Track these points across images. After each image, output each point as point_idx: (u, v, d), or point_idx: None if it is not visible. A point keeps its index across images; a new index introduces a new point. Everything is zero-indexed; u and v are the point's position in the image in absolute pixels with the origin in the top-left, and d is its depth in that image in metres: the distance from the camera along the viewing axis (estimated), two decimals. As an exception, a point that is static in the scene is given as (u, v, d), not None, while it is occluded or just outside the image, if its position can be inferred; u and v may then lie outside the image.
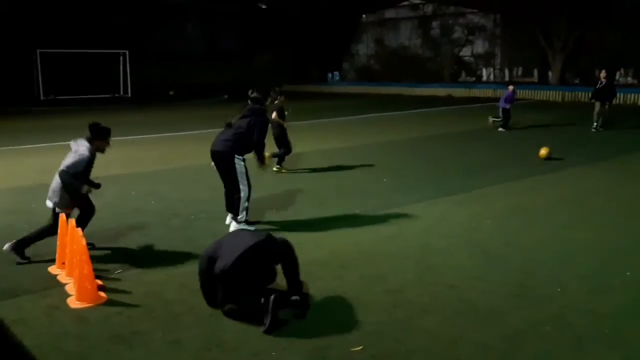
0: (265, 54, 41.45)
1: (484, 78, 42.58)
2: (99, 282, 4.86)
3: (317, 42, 40.64)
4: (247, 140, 6.52)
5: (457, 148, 12.90)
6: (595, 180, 9.23)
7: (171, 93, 32.01)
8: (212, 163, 6.62)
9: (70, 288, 4.82)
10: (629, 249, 5.84)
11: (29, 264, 5.49)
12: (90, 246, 4.64)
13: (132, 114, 23.05)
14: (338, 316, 4.29)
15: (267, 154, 9.53)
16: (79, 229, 4.89)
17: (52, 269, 5.33)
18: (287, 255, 4.47)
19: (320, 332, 4.02)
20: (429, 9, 41.61)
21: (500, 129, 15.65)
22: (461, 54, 41.55)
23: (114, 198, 8.27)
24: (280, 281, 4.48)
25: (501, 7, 37.42)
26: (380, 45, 44.87)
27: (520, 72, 42.92)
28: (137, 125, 18.06)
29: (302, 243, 5.99)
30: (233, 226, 6.48)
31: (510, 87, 16.50)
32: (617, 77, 36.14)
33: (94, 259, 4.86)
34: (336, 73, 42.61)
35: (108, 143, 5.84)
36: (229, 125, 6.64)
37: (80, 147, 5.65)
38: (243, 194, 6.43)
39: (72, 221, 5.11)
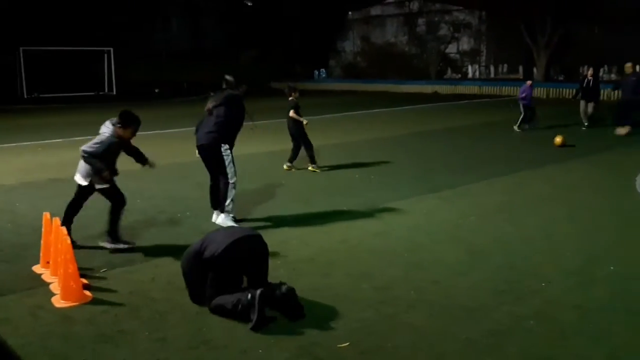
0: (252, 51, 41.34)
1: (470, 75, 42.80)
2: (84, 280, 4.83)
3: (304, 39, 40.60)
4: (229, 128, 6.53)
5: (444, 145, 12.96)
6: (580, 176, 9.32)
7: (156, 91, 31.82)
8: (197, 153, 6.68)
9: (55, 287, 4.79)
10: (613, 243, 5.91)
11: (14, 264, 5.43)
12: (73, 244, 4.65)
13: (117, 112, 22.79)
14: (325, 313, 4.29)
15: (316, 169, 9.74)
16: (63, 228, 4.85)
17: (37, 268, 5.29)
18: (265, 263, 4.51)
19: (307, 329, 4.02)
20: (414, 6, 41.66)
21: (518, 128, 14.92)
22: (447, 51, 41.70)
23: (98, 196, 8.19)
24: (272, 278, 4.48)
25: (486, 4, 37.62)
26: (366, 42, 44.90)
27: (505, 69, 43.21)
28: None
29: (288, 240, 6.01)
30: (221, 218, 6.50)
31: (529, 82, 15.78)
32: (601, 74, 36.51)
33: (79, 257, 4.83)
34: (323, 70, 42.59)
35: (132, 133, 5.83)
36: (210, 113, 6.60)
37: (103, 130, 5.72)
38: (232, 181, 6.49)
39: (57, 220, 5.06)
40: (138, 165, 6.31)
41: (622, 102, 14.37)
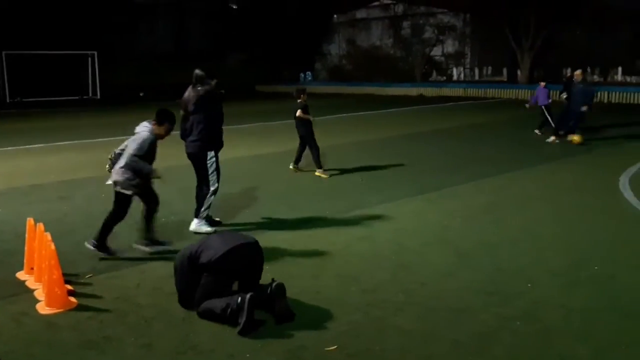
0: (238, 54, 41.27)
1: (455, 77, 43.07)
2: (69, 287, 4.78)
3: (289, 42, 40.59)
4: (212, 131, 6.40)
5: (430, 147, 13.02)
6: (565, 176, 9.41)
7: (141, 94, 31.63)
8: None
9: (39, 293, 4.73)
10: (598, 243, 5.97)
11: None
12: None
13: (101, 116, 22.72)
14: (313, 316, 4.29)
15: (322, 174, 9.47)
16: (48, 234, 4.80)
17: (21, 275, 5.22)
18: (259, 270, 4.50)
19: (295, 333, 4.01)
20: (399, 9, 41.85)
21: (537, 131, 14.44)
22: (432, 53, 41.93)
23: (83, 201, 8.14)
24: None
25: (470, 7, 37.90)
26: (352, 45, 45.01)
27: (490, 72, 43.56)
28: (106, 127, 17.80)
29: (276, 244, 5.99)
30: (194, 224, 6.47)
31: (542, 84, 15.25)
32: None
33: (63, 263, 4.77)
34: (308, 73, 42.62)
35: (166, 130, 5.75)
36: (186, 119, 6.50)
37: (141, 130, 5.65)
38: (212, 188, 6.45)
39: (40, 226, 5.01)
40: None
41: (567, 110, 13.24)
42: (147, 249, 5.69)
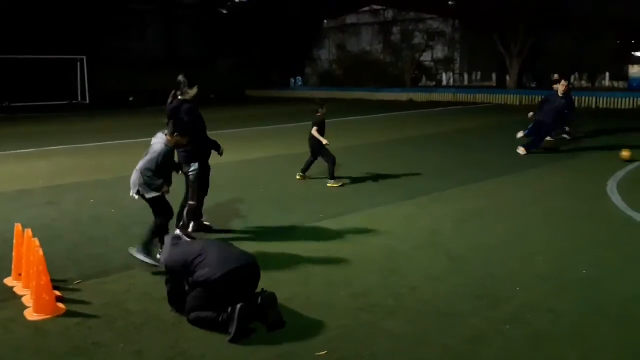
0: (228, 59, 41.26)
1: (444, 82, 43.30)
2: (57, 293, 4.74)
3: (279, 48, 40.65)
4: (192, 141, 6.04)
5: (418, 152, 13.07)
6: (553, 181, 9.47)
7: (130, 99, 31.53)
8: None
9: (27, 300, 4.69)
10: (585, 247, 6.02)
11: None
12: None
13: (90, 121, 22.60)
14: (303, 321, 4.28)
15: (334, 184, 9.10)
16: (36, 239, 4.76)
17: (8, 281, 5.17)
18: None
19: (285, 338, 4.01)
20: (389, 14, 42.05)
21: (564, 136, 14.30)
22: (421, 58, 42.12)
23: (72, 206, 8.10)
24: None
25: (459, 13, 38.18)
26: (342, 50, 45.14)
27: (478, 77, 43.84)
28: (95, 132, 17.73)
29: (266, 249, 5.99)
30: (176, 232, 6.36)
31: (556, 87, 14.45)
32: (571, 81, 37.27)
33: (51, 269, 4.74)
34: (299, 78, 42.68)
35: (179, 141, 5.56)
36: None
37: (156, 143, 5.48)
38: (190, 202, 6.22)
39: (28, 231, 4.97)
40: (108, 175, 6.22)
41: (541, 121, 12.41)
42: (139, 256, 5.50)
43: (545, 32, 32.92)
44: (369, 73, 40.01)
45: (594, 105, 25.98)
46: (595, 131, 15.88)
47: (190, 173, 6.17)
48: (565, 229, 6.68)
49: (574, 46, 34.25)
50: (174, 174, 5.77)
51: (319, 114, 9.31)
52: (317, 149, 9.39)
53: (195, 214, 6.47)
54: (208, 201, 6.87)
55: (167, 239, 4.65)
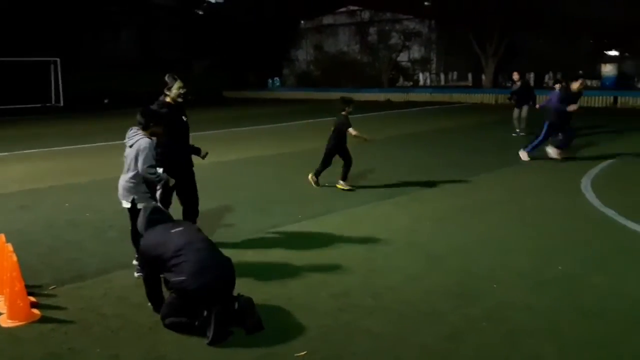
0: (204, 60, 41.03)
1: (421, 82, 43.58)
2: (32, 298, 4.66)
3: (256, 49, 40.54)
4: (166, 147, 5.78)
5: (397, 151, 13.13)
6: (530, 179, 9.58)
7: (105, 101, 31.17)
8: None
9: (1, 306, 4.60)
10: (561, 244, 6.09)
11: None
12: None
13: (65, 124, 22.29)
14: (283, 323, 4.27)
15: (344, 187, 8.70)
16: (9, 245, 4.67)
17: (-19, 288, 5.07)
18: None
19: (264, 340, 3.99)
20: (366, 15, 42.22)
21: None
22: (398, 59, 42.35)
23: (47, 211, 7.97)
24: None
25: (435, 13, 38.48)
26: (319, 51, 45.18)
27: (455, 77, 44.21)
28: (70, 135, 17.49)
29: (244, 251, 5.96)
30: None
31: (557, 86, 14.51)
32: (545, 80, 37.83)
33: (26, 275, 4.66)
34: (276, 79, 42.62)
35: (155, 131, 5.32)
36: None
37: (139, 141, 5.17)
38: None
39: (2, 237, 4.88)
40: (83, 178, 6.11)
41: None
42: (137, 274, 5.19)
43: (520, 32, 33.34)
44: (346, 74, 40.12)
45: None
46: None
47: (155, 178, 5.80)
48: (542, 227, 6.76)
49: (549, 46, 34.75)
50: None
51: (344, 112, 8.74)
52: (339, 147, 8.85)
53: None
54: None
55: (144, 211, 4.49)
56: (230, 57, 40.65)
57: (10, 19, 29.50)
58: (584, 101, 26.31)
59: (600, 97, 26.29)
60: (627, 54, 36.87)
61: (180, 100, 5.85)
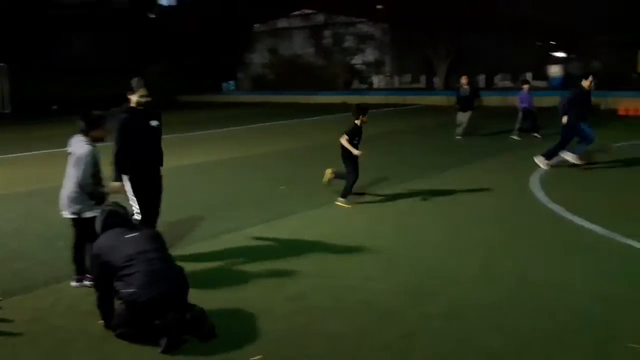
0: (158, 65, 40.41)
1: (376, 85, 44.03)
2: (-24, 312, 4.48)
3: (211, 52, 40.18)
4: (120, 154, 5.66)
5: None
6: (481, 178, 9.76)
7: (54, 107, 30.29)
8: None
9: (-58, 321, 4.40)
10: (512, 241, 6.24)
11: None
12: None
13: (11, 130, 21.57)
14: (238, 328, 4.22)
15: (344, 205, 7.89)
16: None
17: None
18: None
19: (218, 346, 3.93)
20: (320, 18, 42.41)
21: (535, 135, 14.69)
22: (353, 62, 42.68)
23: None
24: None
25: (388, 17, 38.96)
26: (274, 55, 45.13)
27: (409, 79, 44.83)
28: (16, 142, 16.92)
29: (198, 257, 5.87)
30: None
31: (526, 87, 15.40)
32: (495, 82, 38.78)
33: (-32, 287, 4.47)
34: (231, 82, 42.33)
35: (98, 135, 5.08)
36: None
37: (78, 149, 4.96)
38: (137, 217, 5.72)
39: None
40: (29, 187, 5.89)
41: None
42: (75, 284, 5.10)
43: (471, 34, 34.10)
44: (302, 77, 40.20)
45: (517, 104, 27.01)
46: (520, 129, 16.42)
47: (125, 186, 5.67)
48: (493, 225, 6.91)
49: (499, 48, 35.64)
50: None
51: (357, 121, 8.11)
52: (347, 157, 8.19)
53: None
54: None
55: (100, 214, 4.37)
56: (185, 61, 40.18)
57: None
58: (534, 101, 27.14)
59: (548, 97, 27.07)
60: (573, 56, 38.13)
61: (141, 107, 5.67)
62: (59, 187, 5.23)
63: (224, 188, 9.57)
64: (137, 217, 5.68)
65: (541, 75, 36.02)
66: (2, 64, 29.77)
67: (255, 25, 46.38)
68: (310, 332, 4.14)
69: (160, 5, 41.72)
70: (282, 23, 46.37)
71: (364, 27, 42.54)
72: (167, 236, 6.62)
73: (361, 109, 8.09)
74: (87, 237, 4.85)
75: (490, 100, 16.27)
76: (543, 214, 7.33)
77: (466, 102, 15.11)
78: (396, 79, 44.79)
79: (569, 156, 10.35)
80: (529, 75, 40.05)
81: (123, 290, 3.94)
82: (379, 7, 38.13)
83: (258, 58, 46.73)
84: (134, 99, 5.65)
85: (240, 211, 7.87)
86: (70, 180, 5.04)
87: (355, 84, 43.74)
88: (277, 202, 8.39)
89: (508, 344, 3.91)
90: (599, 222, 6.68)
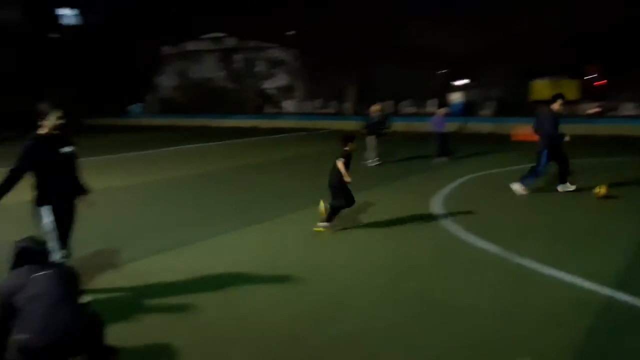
0: (61, 86, 38.66)
1: (287, 109, 44.42)
2: None
3: (117, 74, 39.01)
4: (36, 184, 5.32)
5: (261, 177, 13.15)
6: (385, 202, 10.01)
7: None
8: None
9: None
10: (414, 262, 6.42)
11: None
12: None
13: None
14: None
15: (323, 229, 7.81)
16: None
17: None
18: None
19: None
20: (231, 42, 42.41)
21: (437, 159, 15.10)
22: (264, 86, 42.89)
23: None
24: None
25: (299, 43, 39.62)
26: (184, 77, 44.53)
27: (320, 104, 45.62)
28: None
29: (96, 288, 5.60)
30: None
31: (442, 111, 16.21)
32: (400, 108, 40.25)
33: None
34: (138, 105, 41.23)
35: None
36: None
37: None
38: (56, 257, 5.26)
39: None
40: None
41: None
42: None
43: (380, 62, 35.29)
44: (212, 100, 39.87)
45: (422, 130, 28.12)
46: (421, 155, 16.98)
47: (41, 219, 5.29)
48: (398, 246, 7.09)
49: (406, 75, 37.07)
50: None
51: (346, 148, 8.06)
52: (337, 185, 7.98)
53: None
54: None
55: (14, 250, 4.03)
56: (89, 83, 38.72)
57: None
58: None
59: (449, 123, 28.32)
60: (473, 83, 40.31)
61: (56, 132, 5.34)
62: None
63: (127, 215, 9.23)
64: (59, 253, 5.27)
65: (443, 102, 37.79)
66: None
67: (164, 48, 45.62)
68: (214, 362, 4.05)
69: (63, 26, 40.09)
70: (191, 46, 45.92)
71: (275, 52, 42.99)
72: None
73: (349, 137, 8.20)
74: None
75: (397, 125, 16.91)
76: (445, 235, 7.61)
77: (375, 128, 15.51)
78: (307, 104, 45.43)
79: (516, 186, 10.31)
80: (433, 102, 41.96)
81: (17, 336, 3.63)
82: (289, 33, 38.73)
83: (167, 81, 45.92)
84: (48, 123, 5.30)
85: (143, 239, 7.60)
86: None
87: (267, 108, 43.91)
88: (180, 229, 8.18)
89: (410, 363, 4.00)
90: (497, 242, 7.02)
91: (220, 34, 44.13)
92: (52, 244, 5.17)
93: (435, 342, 4.34)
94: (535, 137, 10.31)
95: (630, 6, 24.16)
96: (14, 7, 37.19)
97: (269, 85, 44.12)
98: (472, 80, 40.45)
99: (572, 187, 10.32)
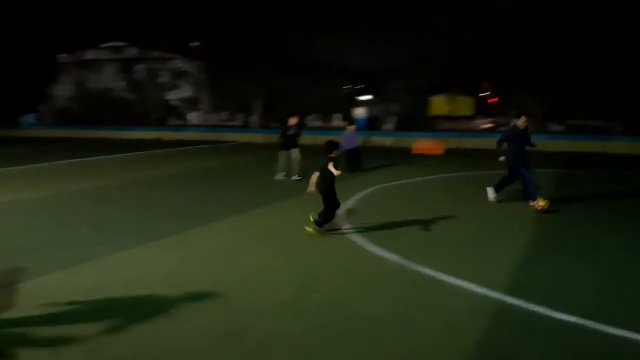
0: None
1: (192, 121, 43.63)
2: None
3: (6, 83, 36.61)
4: None
5: (164, 192, 12.77)
6: (290, 215, 10.02)
7: None
8: None
9: None
10: (317, 271, 6.47)
11: None
12: None
13: None
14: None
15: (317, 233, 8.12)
16: None
17: None
18: None
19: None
20: (132, 52, 41.12)
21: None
22: (168, 97, 41.88)
23: None
24: None
25: (203, 54, 39.11)
26: (81, 87, 42.58)
27: (226, 116, 45.21)
28: None
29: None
30: None
31: (353, 127, 16.65)
32: (306, 122, 40.71)
33: None
34: (31, 116, 38.91)
35: None
36: None
37: None
38: None
39: None
40: None
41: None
42: None
43: (286, 75, 35.54)
44: (113, 111, 38.40)
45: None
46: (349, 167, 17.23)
47: None
48: (300, 258, 7.11)
49: (312, 90, 37.59)
50: None
51: (332, 155, 8.42)
52: (327, 190, 8.39)
53: None
54: None
55: None
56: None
57: None
58: (340, 139, 28.91)
59: (357, 138, 29.00)
60: (376, 99, 41.56)
61: None
62: None
63: (16, 231, 8.62)
64: None
65: (348, 116, 38.65)
66: None
67: (60, 56, 43.44)
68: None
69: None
70: (90, 54, 44.08)
71: (179, 63, 42.17)
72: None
73: (334, 144, 8.57)
74: None
75: (304, 139, 17.09)
76: (349, 246, 7.72)
77: (291, 141, 15.30)
78: (213, 116, 44.87)
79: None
80: (337, 116, 42.84)
81: None
82: (193, 44, 38.13)
83: (63, 90, 43.70)
84: None
85: (34, 256, 7.11)
86: None
87: (171, 120, 42.88)
88: (80, 245, 7.75)
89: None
90: (399, 251, 7.21)
91: (121, 43, 42.70)
92: None
93: (339, 353, 4.37)
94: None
95: (521, 30, 26.05)
96: None
97: (173, 96, 43.16)
98: (374, 96, 41.75)
99: (494, 198, 10.79)
